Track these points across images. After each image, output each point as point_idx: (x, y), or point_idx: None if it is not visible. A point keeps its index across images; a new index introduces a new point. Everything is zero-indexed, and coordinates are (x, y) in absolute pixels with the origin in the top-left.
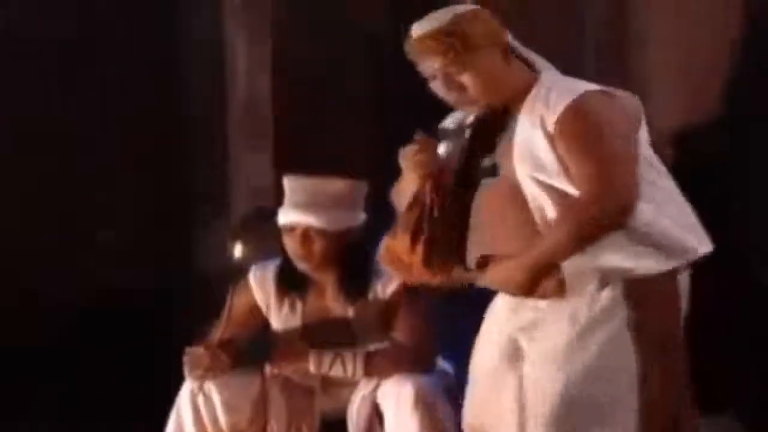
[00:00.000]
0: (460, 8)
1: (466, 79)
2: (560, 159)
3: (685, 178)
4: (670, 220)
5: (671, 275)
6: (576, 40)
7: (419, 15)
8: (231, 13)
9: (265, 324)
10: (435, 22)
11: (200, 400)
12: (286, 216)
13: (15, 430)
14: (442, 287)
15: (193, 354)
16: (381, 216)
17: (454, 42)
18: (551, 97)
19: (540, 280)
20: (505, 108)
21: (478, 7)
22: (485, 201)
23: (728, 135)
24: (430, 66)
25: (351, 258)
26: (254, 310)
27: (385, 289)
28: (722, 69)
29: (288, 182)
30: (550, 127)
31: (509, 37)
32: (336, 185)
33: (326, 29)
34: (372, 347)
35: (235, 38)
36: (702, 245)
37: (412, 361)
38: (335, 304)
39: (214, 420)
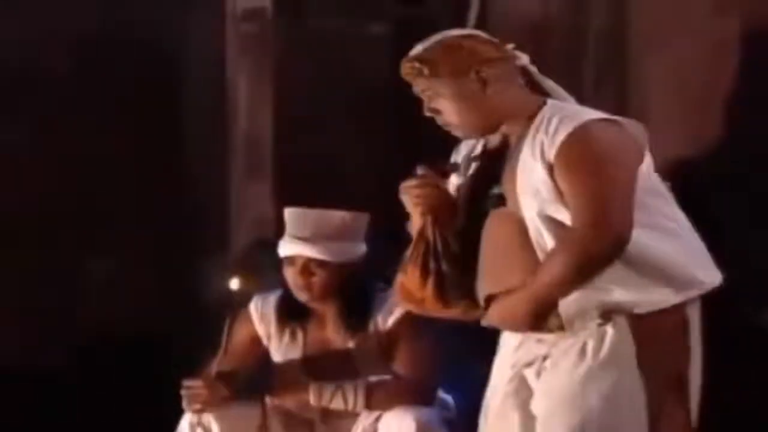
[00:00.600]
0: (451, 33)
1: (440, 104)
2: (558, 188)
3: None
4: (677, 250)
5: (679, 309)
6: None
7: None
8: (233, 49)
9: (266, 355)
10: (419, 47)
11: None
12: (286, 247)
13: None
14: (457, 320)
15: (192, 387)
16: (385, 249)
17: (422, 68)
18: (552, 124)
19: (544, 315)
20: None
21: (476, 32)
22: (490, 234)
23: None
24: (414, 89)
25: (351, 290)
26: (255, 341)
27: (385, 320)
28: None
29: (288, 214)
30: (550, 156)
31: (518, 62)
32: (337, 217)
33: (328, 68)
34: (373, 379)
35: (237, 74)
36: (710, 276)
37: (412, 393)
38: (336, 336)
39: None
